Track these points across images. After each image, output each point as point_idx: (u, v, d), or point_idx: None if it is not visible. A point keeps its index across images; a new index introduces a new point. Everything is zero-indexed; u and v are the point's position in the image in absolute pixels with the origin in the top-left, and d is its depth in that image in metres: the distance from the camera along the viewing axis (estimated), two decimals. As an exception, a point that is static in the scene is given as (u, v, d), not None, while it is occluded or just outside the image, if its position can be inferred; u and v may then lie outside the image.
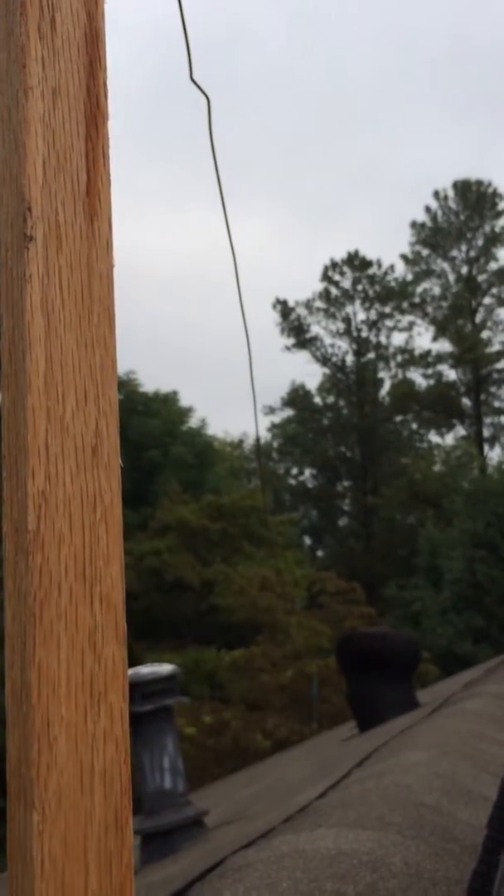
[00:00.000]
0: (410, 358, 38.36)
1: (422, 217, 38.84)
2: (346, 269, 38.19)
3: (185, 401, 31.04)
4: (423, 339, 48.21)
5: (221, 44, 49.58)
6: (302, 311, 38.54)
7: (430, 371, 38.33)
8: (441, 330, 37.79)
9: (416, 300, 38.51)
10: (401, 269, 39.13)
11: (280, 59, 50.43)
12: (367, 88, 52.11)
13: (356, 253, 38.14)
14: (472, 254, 38.60)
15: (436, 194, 38.45)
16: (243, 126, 48.86)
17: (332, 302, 38.33)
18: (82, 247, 0.71)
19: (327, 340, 38.60)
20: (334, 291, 38.33)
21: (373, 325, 38.52)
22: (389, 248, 45.42)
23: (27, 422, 0.66)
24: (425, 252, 38.94)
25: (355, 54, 50.68)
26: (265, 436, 38.94)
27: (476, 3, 47.65)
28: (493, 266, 38.44)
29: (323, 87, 51.60)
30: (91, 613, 0.67)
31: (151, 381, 37.86)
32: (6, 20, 0.73)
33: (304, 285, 52.30)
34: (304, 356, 38.78)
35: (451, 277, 38.84)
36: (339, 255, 38.49)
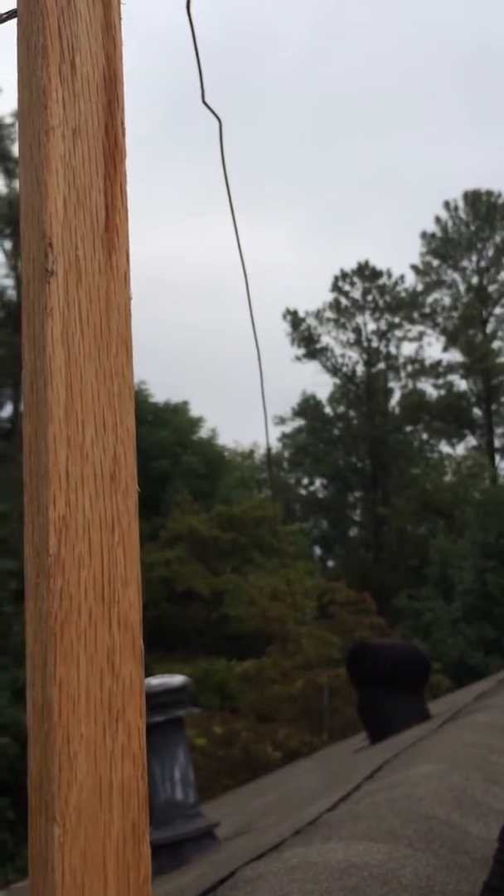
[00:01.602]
0: (421, 368, 38.34)
1: (433, 228, 38.91)
2: (356, 279, 38.24)
3: (196, 410, 31.11)
4: (434, 349, 48.12)
5: (242, 50, 49.73)
6: (312, 321, 38.61)
7: (440, 381, 38.32)
8: (451, 340, 37.76)
9: (427, 310, 38.52)
10: (411, 280, 39.19)
11: (301, 66, 50.42)
12: (388, 95, 52.14)
13: (366, 263, 38.20)
14: (483, 264, 38.60)
15: (446, 205, 38.50)
16: (262, 133, 48.95)
17: (342, 312, 38.37)
18: (101, 281, 0.74)
19: (337, 351, 38.65)
20: (344, 302, 38.38)
21: (383, 335, 38.54)
22: (409, 258, 45.52)
23: (48, 449, 0.69)
24: (436, 262, 38.96)
25: (377, 60, 50.64)
26: (276, 446, 38.96)
27: (500, 9, 47.53)
28: (503, 276, 38.45)
29: (343, 93, 51.55)
30: (109, 634, 0.70)
31: (163, 391, 37.89)
32: (28, 62, 0.75)
33: (322, 295, 52.48)
34: (314, 366, 38.85)
35: (462, 288, 38.85)
36: (354, 265, 38.54)
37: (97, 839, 0.66)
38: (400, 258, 57.75)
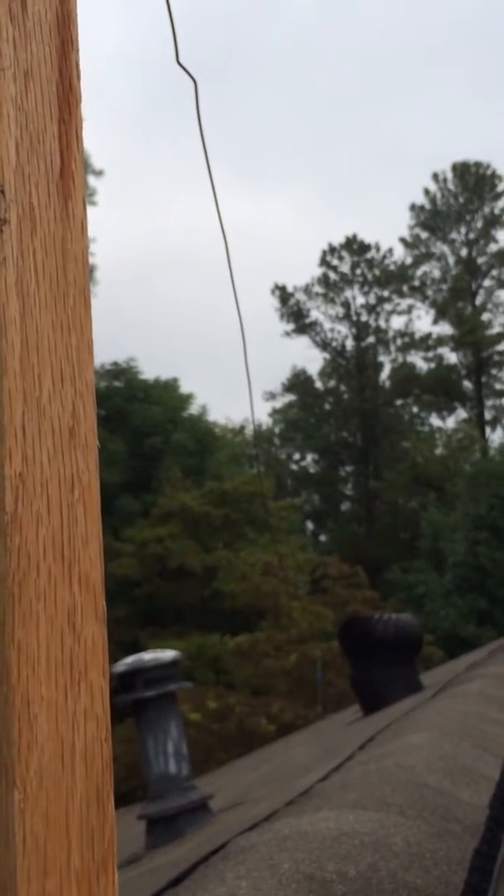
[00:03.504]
0: (411, 341, 38.32)
1: (422, 200, 38.78)
2: (344, 253, 38.12)
3: (187, 387, 31.14)
4: (423, 322, 48.01)
5: (247, 16, 49.07)
6: (301, 296, 38.51)
7: (430, 354, 38.32)
8: (441, 313, 37.73)
9: (416, 283, 38.45)
10: (400, 253, 39.09)
11: (307, 32, 49.75)
12: (394, 67, 51.59)
13: (354, 237, 38.08)
14: (472, 236, 38.51)
15: (435, 177, 38.36)
16: (266, 104, 48.42)
17: (330, 286, 38.27)
18: (56, 229, 0.72)
19: (327, 325, 38.60)
20: (333, 276, 38.28)
21: (372, 309, 38.47)
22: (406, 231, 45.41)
23: (3, 404, 0.67)
24: (424, 235, 38.86)
25: (384, 28, 49.99)
26: (267, 421, 38.98)
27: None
28: (492, 248, 38.38)
29: (350, 61, 50.90)
30: (70, 593, 0.68)
31: (153, 367, 37.77)
32: (-24, 2, 0.72)
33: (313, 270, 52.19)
34: (304, 341, 38.83)
35: (451, 260, 38.78)
36: (354, 237, 38.32)
37: (59, 803, 0.65)
38: (400, 231, 57.68)
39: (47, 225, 0.71)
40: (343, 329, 38.59)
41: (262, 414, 39.11)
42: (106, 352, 27.95)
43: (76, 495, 0.69)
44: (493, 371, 38.06)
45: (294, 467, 38.90)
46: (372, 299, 38.45)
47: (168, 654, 5.06)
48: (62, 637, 0.67)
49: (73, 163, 0.72)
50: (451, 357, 38.47)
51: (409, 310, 38.50)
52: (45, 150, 0.71)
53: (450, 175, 38.17)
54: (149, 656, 5.02)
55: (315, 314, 38.57)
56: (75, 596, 0.68)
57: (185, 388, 30.46)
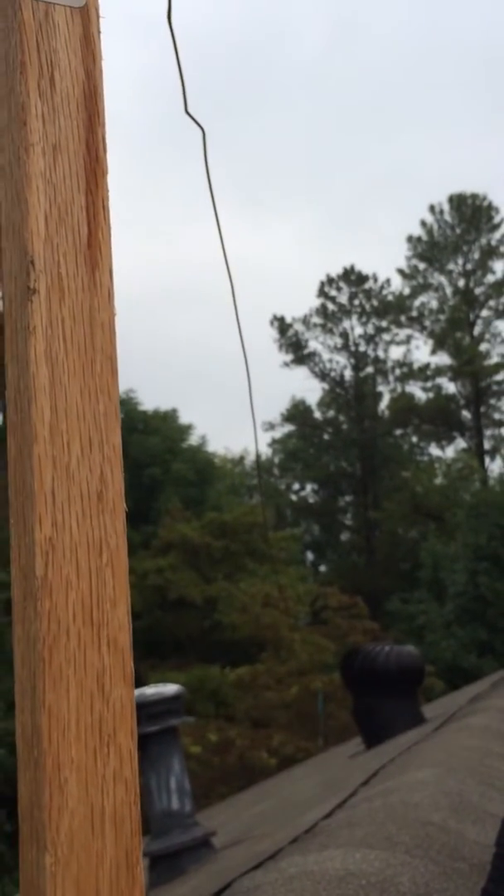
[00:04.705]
0: (409, 371, 38.41)
1: (419, 231, 39.02)
2: (342, 284, 38.31)
3: (185, 418, 31.16)
4: (422, 352, 48.21)
5: (250, 46, 49.48)
6: (299, 327, 38.65)
7: (429, 384, 38.39)
8: (439, 343, 37.84)
9: (414, 314, 38.60)
10: (397, 284, 39.29)
11: (309, 63, 50.06)
12: (399, 92, 51.92)
13: (352, 268, 38.28)
14: (469, 267, 38.70)
15: (431, 208, 38.63)
16: (269, 134, 48.73)
17: (329, 317, 38.42)
18: (84, 298, 0.73)
19: (325, 356, 38.70)
20: (331, 307, 38.45)
21: (370, 339, 38.60)
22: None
23: (33, 470, 0.68)
24: (422, 266, 39.07)
25: (383, 60, 50.39)
26: (266, 452, 38.98)
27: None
28: (490, 279, 38.55)
29: (349, 92, 51.23)
30: (99, 657, 0.69)
31: (152, 398, 37.83)
32: (7, 78, 0.75)
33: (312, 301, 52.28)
34: (302, 372, 38.91)
35: (449, 291, 38.95)
36: (352, 268, 38.48)
37: (90, 868, 0.65)
38: (397, 262, 57.91)
39: (75, 294, 0.73)
40: (341, 359, 38.72)
41: (262, 444, 39.18)
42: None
43: (104, 559, 0.70)
44: (492, 401, 38.12)
45: (293, 497, 38.86)
46: (370, 330, 38.61)
47: (170, 689, 5.03)
48: (92, 700, 0.67)
49: (100, 233, 0.74)
50: (450, 387, 38.58)
51: (408, 340, 38.65)
52: (73, 221, 0.73)
53: (446, 207, 38.46)
54: (151, 691, 4.99)
55: (313, 345, 38.72)
56: (104, 659, 0.68)
57: (184, 418, 30.55)
